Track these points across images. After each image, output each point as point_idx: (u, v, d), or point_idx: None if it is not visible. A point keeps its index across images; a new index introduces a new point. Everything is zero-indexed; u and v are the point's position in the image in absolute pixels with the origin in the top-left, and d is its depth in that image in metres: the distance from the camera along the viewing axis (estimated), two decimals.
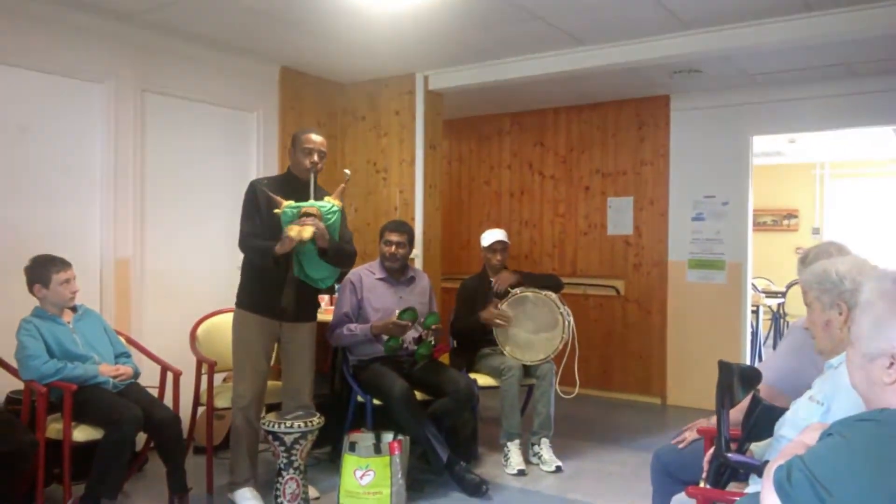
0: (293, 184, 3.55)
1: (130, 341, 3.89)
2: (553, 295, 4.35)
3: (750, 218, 5.90)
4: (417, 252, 5.33)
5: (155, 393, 3.64)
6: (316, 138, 3.58)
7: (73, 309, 3.57)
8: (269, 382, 3.74)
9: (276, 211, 3.35)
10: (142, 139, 4.47)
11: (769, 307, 7.96)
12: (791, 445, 1.59)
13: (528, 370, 4.35)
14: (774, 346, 8.40)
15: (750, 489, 1.98)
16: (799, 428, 1.93)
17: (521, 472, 4.11)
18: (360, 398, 3.99)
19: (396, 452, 3.56)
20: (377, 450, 3.54)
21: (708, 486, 2.09)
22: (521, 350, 4.32)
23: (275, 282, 3.51)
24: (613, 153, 6.36)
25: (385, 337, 3.94)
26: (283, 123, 5.23)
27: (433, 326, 4.03)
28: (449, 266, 6.62)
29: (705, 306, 5.91)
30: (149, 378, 3.71)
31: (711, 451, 2.18)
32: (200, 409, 3.98)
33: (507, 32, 4.44)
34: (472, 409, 4.24)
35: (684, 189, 6.03)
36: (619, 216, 6.30)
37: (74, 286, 3.50)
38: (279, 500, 3.32)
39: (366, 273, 4.14)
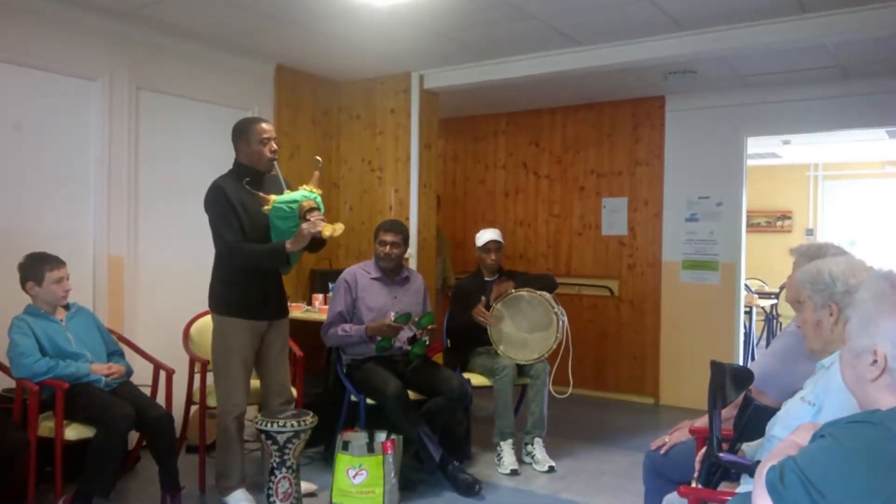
0: (248, 176, 3.40)
1: (123, 339, 3.87)
2: (547, 295, 4.35)
3: (744, 219, 5.92)
4: (412, 252, 5.33)
5: (147, 391, 3.63)
6: (269, 126, 3.48)
7: (66, 307, 3.55)
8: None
9: (266, 208, 3.30)
10: (136, 137, 4.45)
11: (762, 308, 7.99)
12: (783, 445, 1.60)
13: (521, 370, 4.35)
14: (767, 347, 8.42)
15: (741, 489, 1.99)
16: (790, 428, 1.93)
17: (514, 472, 4.11)
18: (353, 397, 3.99)
19: (389, 452, 3.56)
20: (370, 449, 3.55)
21: (699, 486, 2.10)
22: (515, 349, 4.33)
23: (260, 282, 3.48)
24: (608, 154, 6.37)
25: (378, 337, 3.93)
26: (279, 121, 5.22)
27: (429, 326, 4.02)
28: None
29: (699, 307, 5.92)
30: (141, 377, 3.70)
31: (703, 450, 2.18)
32: (193, 408, 3.97)
33: (502, 32, 4.44)
34: (466, 409, 4.24)
35: (679, 190, 6.04)
36: (614, 216, 6.31)
37: (67, 285, 3.47)
38: (271, 500, 3.31)
39: (360, 272, 4.13)
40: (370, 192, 5.66)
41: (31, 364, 3.23)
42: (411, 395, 3.88)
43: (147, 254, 4.53)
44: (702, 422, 2.56)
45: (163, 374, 3.73)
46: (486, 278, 4.65)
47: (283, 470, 3.31)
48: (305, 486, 3.68)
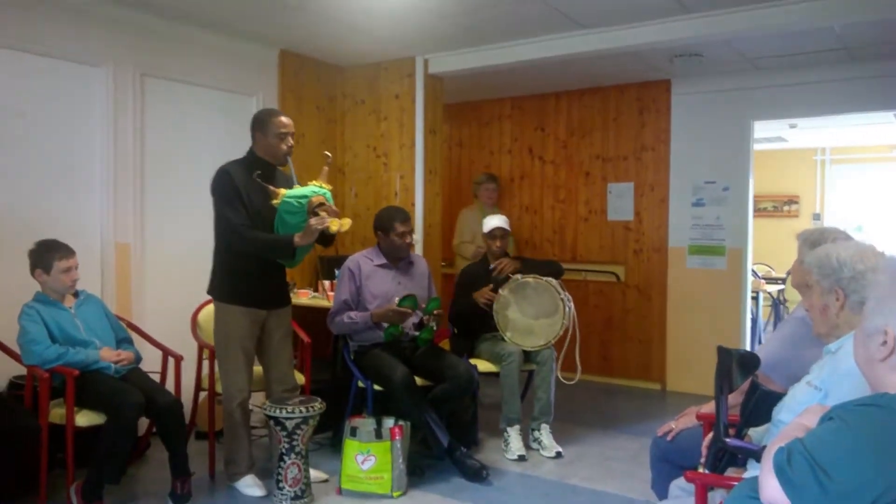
0: (260, 168, 3.41)
1: (132, 326, 3.90)
2: (554, 281, 4.35)
3: (750, 204, 5.90)
4: (417, 238, 5.34)
5: (157, 378, 3.65)
6: (288, 120, 3.49)
7: (75, 294, 3.57)
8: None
9: (275, 202, 3.31)
10: (141, 123, 4.45)
11: (769, 293, 7.97)
12: (790, 427, 1.60)
13: (528, 356, 4.36)
14: (774, 332, 8.41)
15: (748, 474, 2.00)
16: (797, 413, 1.93)
17: (521, 458, 4.13)
18: (360, 384, 4.01)
19: (397, 437, 3.58)
20: (378, 435, 3.57)
21: (706, 471, 2.10)
22: (521, 336, 4.33)
23: (261, 270, 3.49)
24: (614, 138, 6.35)
25: (385, 324, 3.95)
26: (283, 107, 5.21)
27: (435, 312, 4.03)
28: (448, 252, 6.61)
29: (705, 292, 5.92)
30: (150, 363, 3.72)
31: (710, 436, 2.19)
32: (202, 394, 4.00)
33: (507, 15, 4.42)
34: (473, 395, 4.26)
35: (685, 174, 6.02)
36: (620, 202, 6.30)
37: (75, 275, 3.49)
38: (280, 485, 3.34)
39: (364, 260, 4.13)
40: (375, 178, 5.65)
41: (42, 351, 3.26)
42: (418, 381, 3.90)
43: (154, 241, 4.54)
44: (708, 407, 2.56)
45: (171, 360, 3.75)
46: (492, 265, 4.65)
47: (292, 456, 3.33)
48: (316, 474, 3.71)
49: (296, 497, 3.35)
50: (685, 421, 2.71)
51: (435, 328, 4.06)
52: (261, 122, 3.48)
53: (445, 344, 4.62)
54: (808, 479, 1.33)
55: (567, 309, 4.25)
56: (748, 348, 5.97)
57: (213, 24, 4.66)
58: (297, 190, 3.34)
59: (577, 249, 6.52)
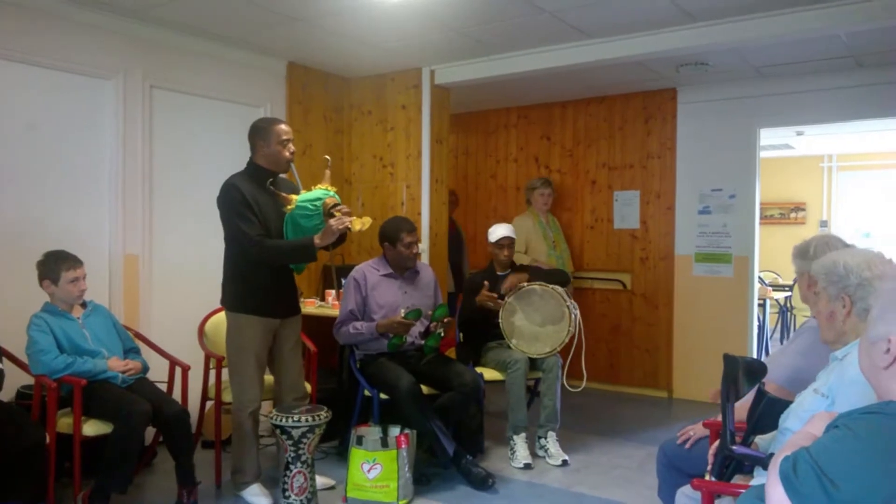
0: (263, 177, 3.44)
1: (139, 336, 3.91)
2: (560, 288, 4.36)
3: (757, 211, 5.89)
4: (424, 247, 5.35)
5: (164, 388, 3.66)
6: (287, 127, 3.51)
7: (83, 305, 3.59)
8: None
9: (288, 208, 3.33)
10: (150, 135, 4.49)
11: (776, 301, 7.94)
12: (797, 436, 1.60)
13: (534, 363, 4.36)
14: (781, 340, 8.38)
15: (755, 481, 1.99)
16: (804, 420, 1.92)
17: (527, 466, 4.12)
18: (366, 392, 4.01)
19: (403, 446, 3.58)
20: (384, 443, 3.57)
21: (713, 479, 2.10)
22: (527, 343, 4.33)
23: (273, 279, 3.51)
24: (620, 147, 6.35)
25: (390, 335, 3.95)
26: (291, 117, 5.24)
27: (444, 319, 4.04)
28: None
29: (712, 300, 5.90)
30: (157, 373, 3.74)
31: (716, 444, 2.18)
32: (209, 404, 4.01)
33: (513, 26, 4.44)
34: (479, 403, 4.25)
35: (691, 182, 6.02)
36: (626, 210, 6.30)
37: (82, 285, 3.51)
38: (287, 494, 3.34)
39: (370, 270, 4.14)
40: (382, 187, 5.67)
41: (50, 361, 3.28)
42: (424, 389, 3.90)
43: (161, 252, 4.57)
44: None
45: (178, 370, 3.76)
46: (499, 273, 4.66)
47: (298, 464, 3.34)
48: (324, 480, 3.71)
49: None
50: (701, 429, 2.69)
51: (443, 335, 4.06)
52: (261, 131, 3.49)
53: (451, 352, 4.62)
54: (814, 488, 1.33)
55: (573, 316, 4.25)
56: (755, 356, 5.94)
57: (222, 37, 4.69)
58: (309, 194, 3.37)
59: (584, 257, 6.52)
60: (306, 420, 3.31)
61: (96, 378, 3.34)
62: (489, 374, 4.37)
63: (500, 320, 4.33)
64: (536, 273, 4.58)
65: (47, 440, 3.15)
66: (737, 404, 2.20)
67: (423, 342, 4.06)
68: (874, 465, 1.32)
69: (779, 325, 8.61)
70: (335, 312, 4.29)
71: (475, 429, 4.34)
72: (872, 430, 1.37)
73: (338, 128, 5.74)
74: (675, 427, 2.82)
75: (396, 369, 3.86)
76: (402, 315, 3.88)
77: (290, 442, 3.32)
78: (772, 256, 8.70)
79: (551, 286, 4.34)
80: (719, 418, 2.35)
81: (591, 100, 6.45)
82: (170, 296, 4.57)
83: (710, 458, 2.22)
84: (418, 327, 4.06)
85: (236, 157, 4.28)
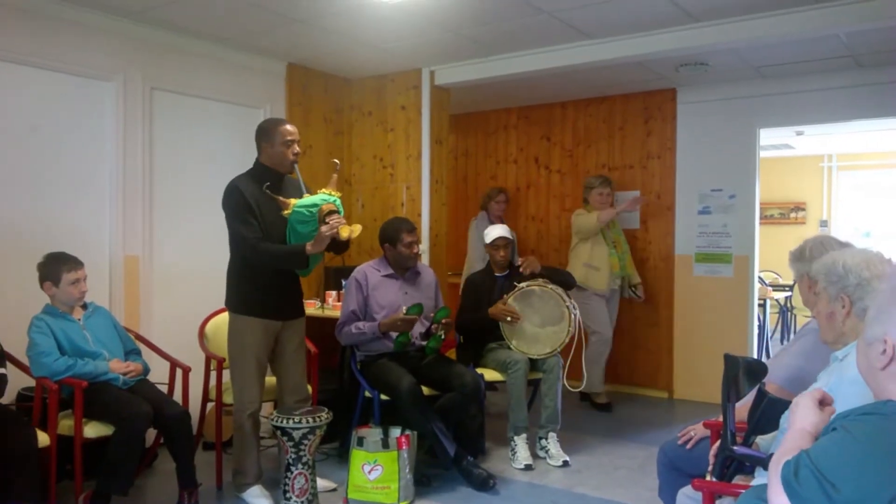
0: (268, 178, 3.44)
1: (140, 338, 3.92)
2: (559, 288, 4.36)
3: (757, 211, 5.89)
4: (424, 247, 5.35)
5: (164, 389, 3.66)
6: (293, 128, 3.50)
7: (84, 306, 3.60)
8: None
9: (286, 212, 3.33)
10: (150, 136, 4.49)
11: (776, 301, 7.94)
12: (791, 435, 1.60)
13: (534, 364, 4.36)
14: (782, 340, 8.38)
15: (755, 482, 1.99)
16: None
17: (528, 467, 4.12)
18: (367, 393, 4.01)
19: (404, 447, 3.58)
20: (385, 444, 3.57)
21: (714, 480, 2.10)
22: (527, 344, 4.34)
23: (275, 281, 3.51)
24: (620, 147, 6.35)
25: (394, 334, 3.95)
26: (291, 119, 5.23)
27: (444, 320, 4.04)
28: (455, 261, 6.62)
29: (712, 300, 5.90)
30: (158, 374, 3.74)
31: (717, 444, 2.18)
32: (209, 405, 4.01)
33: (513, 27, 4.44)
34: (479, 404, 4.26)
35: (691, 183, 6.01)
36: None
37: (83, 287, 3.51)
38: (287, 496, 3.35)
39: (371, 270, 4.15)
40: (382, 188, 5.68)
41: (51, 363, 3.28)
42: (425, 390, 3.90)
43: (162, 253, 4.57)
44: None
45: (179, 371, 3.76)
46: (497, 274, 4.66)
47: (299, 466, 3.34)
48: (324, 483, 3.71)
49: None
50: (702, 429, 2.69)
51: (444, 337, 4.07)
52: (266, 132, 3.50)
53: (452, 353, 4.62)
54: (814, 492, 1.33)
55: (573, 316, 4.25)
56: (755, 356, 5.95)
57: (222, 39, 4.70)
58: (308, 199, 3.35)
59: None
60: (307, 421, 3.32)
61: (97, 380, 3.34)
62: (490, 374, 4.37)
63: (500, 322, 4.33)
64: (548, 272, 4.57)
65: (48, 442, 3.15)
66: (737, 404, 2.20)
67: (424, 343, 4.06)
68: (872, 465, 1.32)
69: (779, 326, 8.61)
70: (336, 314, 4.29)
71: (476, 430, 4.34)
72: (870, 431, 1.37)
73: (338, 129, 5.74)
74: (675, 428, 2.83)
75: (397, 370, 3.87)
76: (404, 312, 3.88)
77: (291, 443, 3.32)
78: (772, 256, 8.69)
79: (551, 286, 4.34)
80: (720, 419, 2.35)
81: (591, 100, 6.45)
82: (170, 297, 4.58)
83: (711, 459, 2.21)
84: (419, 328, 4.06)
85: (236, 159, 4.31)
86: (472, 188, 7.20)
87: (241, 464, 3.60)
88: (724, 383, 2.18)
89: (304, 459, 3.35)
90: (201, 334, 4.09)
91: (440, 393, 3.98)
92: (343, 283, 4.50)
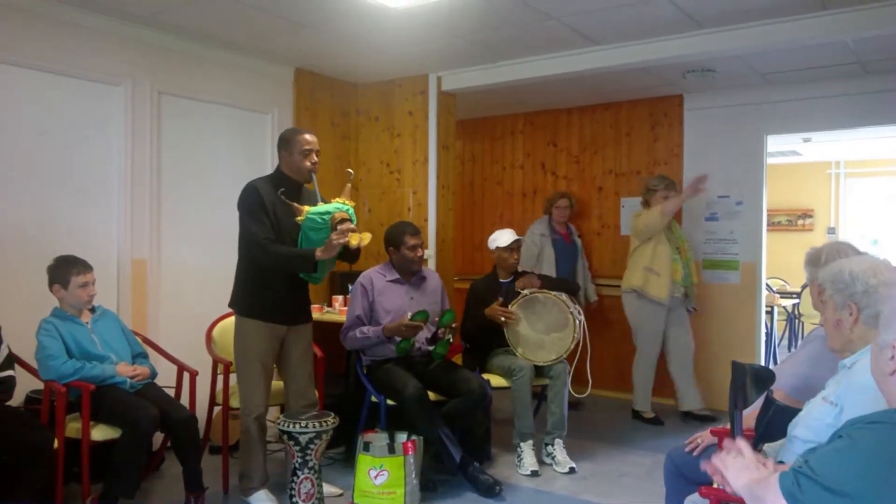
0: (285, 185, 3.47)
1: (147, 342, 3.93)
2: (563, 295, 4.36)
3: (764, 218, 5.88)
4: (430, 253, 5.36)
5: (171, 393, 3.68)
6: (311, 138, 3.54)
7: (92, 310, 3.61)
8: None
9: (299, 219, 3.34)
10: (158, 141, 4.51)
11: (784, 308, 7.91)
12: (747, 484, 1.59)
13: (540, 370, 4.35)
14: (789, 347, 8.35)
15: None
16: (812, 429, 1.93)
17: (534, 473, 4.11)
18: (373, 398, 4.02)
19: (410, 452, 3.58)
20: (391, 450, 3.57)
21: (721, 487, 2.09)
22: (532, 351, 4.33)
23: (282, 286, 3.52)
24: (627, 153, 6.35)
25: (397, 339, 3.96)
26: (298, 124, 5.26)
27: (452, 325, 4.04)
28: (462, 266, 6.63)
29: (719, 307, 5.88)
30: (165, 378, 3.75)
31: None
32: (216, 409, 4.02)
33: (520, 33, 4.45)
34: (486, 410, 4.25)
35: None
36: None
37: (92, 290, 3.53)
38: (294, 500, 3.35)
39: (377, 275, 4.15)
40: (389, 193, 5.69)
41: (59, 366, 3.29)
42: (431, 395, 3.90)
43: (169, 257, 4.58)
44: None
45: (186, 375, 3.78)
46: (502, 280, 4.66)
47: (306, 470, 3.34)
48: (329, 488, 3.71)
49: None
50: (709, 436, 2.68)
51: (451, 341, 4.07)
52: (286, 141, 3.55)
53: (458, 359, 4.62)
54: (821, 501, 1.33)
55: (577, 322, 4.25)
56: (763, 363, 5.92)
57: (230, 44, 4.72)
58: (321, 207, 3.38)
59: (591, 264, 6.50)
60: (313, 426, 3.32)
61: (105, 383, 3.35)
62: (495, 380, 4.36)
63: (505, 330, 4.33)
64: (547, 282, 4.58)
65: (55, 444, 3.17)
66: (745, 412, 2.20)
67: (430, 348, 4.06)
68: (875, 473, 1.32)
69: (787, 333, 8.57)
70: (342, 318, 4.30)
71: (482, 435, 4.34)
72: (874, 440, 1.37)
73: (345, 133, 5.76)
74: (682, 435, 2.81)
75: (403, 375, 3.87)
76: (409, 317, 3.89)
77: (298, 448, 3.32)
78: (779, 263, 8.67)
79: (553, 293, 4.34)
80: (727, 426, 2.35)
81: (598, 106, 6.45)
82: (178, 301, 4.59)
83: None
84: (425, 333, 4.07)
85: (243, 163, 4.34)
86: (479, 193, 7.21)
87: (247, 468, 3.60)
88: (731, 390, 2.18)
89: (311, 464, 3.35)
90: (208, 338, 4.10)
91: (446, 398, 3.98)
92: (349, 287, 4.51)
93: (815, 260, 2.55)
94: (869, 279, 1.92)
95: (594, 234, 6.51)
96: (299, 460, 3.34)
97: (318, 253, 3.30)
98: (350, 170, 3.68)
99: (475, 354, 4.57)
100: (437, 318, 4.07)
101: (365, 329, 4.00)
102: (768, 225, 6.09)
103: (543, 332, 4.34)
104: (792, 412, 2.07)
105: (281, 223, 3.43)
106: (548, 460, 4.30)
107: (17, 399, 3.48)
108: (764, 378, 2.21)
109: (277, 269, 3.47)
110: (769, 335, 6.74)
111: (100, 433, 3.30)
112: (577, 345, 4.28)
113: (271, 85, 5.19)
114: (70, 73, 4.09)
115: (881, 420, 1.41)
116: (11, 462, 3.01)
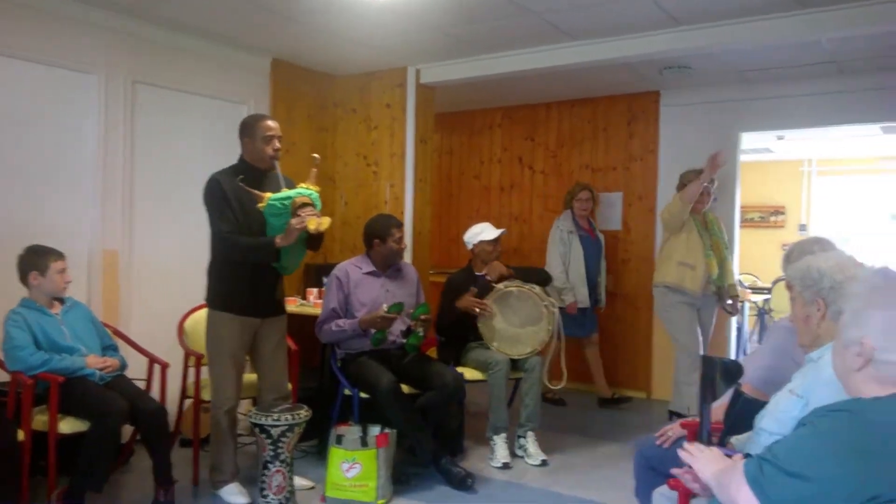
0: (249, 173, 3.43)
1: (118, 333, 3.88)
2: (537, 288, 4.38)
3: (737, 214, 5.94)
4: (407, 245, 5.34)
5: (142, 385, 3.63)
6: (273, 124, 3.50)
7: (61, 301, 3.56)
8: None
9: (260, 205, 3.31)
10: (132, 130, 4.45)
11: (754, 303, 8.01)
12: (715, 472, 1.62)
13: (515, 364, 4.37)
14: (760, 342, 8.46)
15: None
16: (779, 421, 1.96)
17: (505, 466, 4.13)
18: (347, 391, 4.00)
19: (383, 445, 3.58)
20: (364, 443, 3.57)
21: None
22: (508, 344, 4.35)
23: (254, 278, 3.49)
24: (603, 148, 6.38)
25: (372, 330, 3.95)
26: (274, 115, 5.19)
27: (422, 317, 4.04)
28: (438, 260, 6.62)
29: None
30: (136, 370, 3.71)
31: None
32: (187, 402, 3.98)
33: (499, 27, 4.45)
34: (460, 403, 4.26)
35: (673, 185, 5.99)
36: (609, 211, 6.32)
37: (68, 276, 3.50)
38: (265, 493, 3.33)
39: (352, 268, 4.14)
40: (365, 186, 5.66)
41: (26, 357, 3.24)
42: (405, 388, 3.90)
43: (141, 248, 4.53)
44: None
45: (157, 367, 3.74)
46: (478, 273, 4.66)
47: (277, 463, 3.32)
48: (301, 481, 3.70)
49: None
50: (679, 429, 2.71)
51: (423, 334, 4.06)
52: (248, 127, 3.50)
53: (432, 352, 4.62)
54: (781, 486, 1.37)
55: (552, 314, 4.27)
56: (733, 357, 5.99)
57: (206, 33, 4.66)
58: (282, 192, 3.33)
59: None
60: (285, 419, 3.30)
61: (74, 375, 3.30)
62: (470, 374, 4.37)
63: (479, 325, 4.33)
64: (518, 272, 4.59)
65: (22, 438, 3.12)
66: (714, 405, 2.22)
67: (404, 341, 4.06)
68: (835, 458, 1.36)
69: (757, 328, 8.68)
70: (317, 311, 4.28)
71: (455, 429, 4.35)
72: (835, 426, 1.41)
73: (322, 125, 5.72)
74: (653, 428, 2.84)
75: (377, 368, 3.86)
76: (385, 309, 3.88)
77: (269, 441, 3.30)
78: (751, 259, 8.78)
79: (528, 286, 4.36)
80: (697, 419, 2.38)
81: (576, 101, 6.47)
82: (149, 292, 4.53)
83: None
84: (399, 325, 4.06)
85: (219, 153, 4.26)
86: (456, 187, 7.20)
87: (217, 461, 3.58)
88: (701, 384, 2.21)
89: (282, 457, 3.33)
90: (180, 330, 4.06)
91: (420, 391, 3.97)
92: (324, 280, 4.49)
93: (787, 258, 2.60)
94: (836, 275, 1.95)
95: None
96: (271, 453, 3.32)
97: (278, 240, 3.27)
98: (315, 155, 3.63)
99: (450, 348, 4.57)
100: (410, 311, 4.06)
101: (341, 322, 3.99)
102: (740, 221, 6.15)
103: (519, 325, 4.35)
104: (759, 405, 2.09)
105: (247, 212, 3.39)
106: (520, 452, 4.32)
107: None
108: (733, 372, 2.24)
109: (243, 261, 3.44)
110: (740, 330, 6.82)
111: (67, 426, 3.25)
112: (552, 337, 4.30)
113: (247, 75, 5.13)
114: (42, 60, 4.01)
115: (843, 408, 1.45)
116: None
